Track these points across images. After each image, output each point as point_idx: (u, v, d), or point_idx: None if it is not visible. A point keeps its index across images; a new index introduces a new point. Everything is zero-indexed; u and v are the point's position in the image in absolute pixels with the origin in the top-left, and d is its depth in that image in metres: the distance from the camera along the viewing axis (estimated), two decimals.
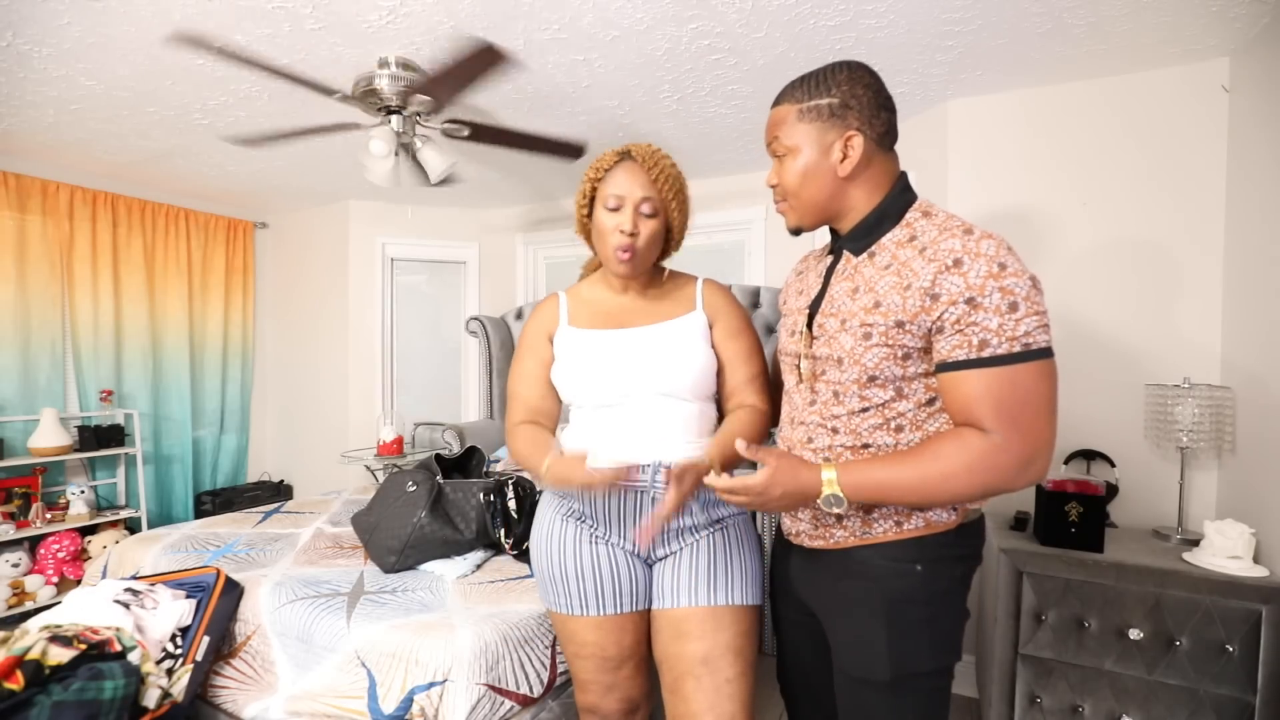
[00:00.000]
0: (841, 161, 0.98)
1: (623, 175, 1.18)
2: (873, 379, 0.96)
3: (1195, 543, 1.77)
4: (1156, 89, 2.03)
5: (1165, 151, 2.02)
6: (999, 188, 2.24)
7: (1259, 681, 1.51)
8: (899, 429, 0.97)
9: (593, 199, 1.22)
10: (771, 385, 1.27)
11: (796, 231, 1.08)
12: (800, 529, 1.09)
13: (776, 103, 1.04)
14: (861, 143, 0.97)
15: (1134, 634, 1.63)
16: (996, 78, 2.12)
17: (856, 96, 0.97)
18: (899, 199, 1.00)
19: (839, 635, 1.04)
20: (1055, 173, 2.16)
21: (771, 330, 2.81)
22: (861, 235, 1.01)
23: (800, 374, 1.06)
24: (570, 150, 2.38)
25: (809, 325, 1.04)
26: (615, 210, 1.17)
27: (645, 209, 1.17)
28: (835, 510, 0.93)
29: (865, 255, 1.00)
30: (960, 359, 0.88)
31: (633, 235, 1.16)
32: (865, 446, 0.98)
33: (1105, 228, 2.10)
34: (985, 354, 0.87)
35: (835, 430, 1.00)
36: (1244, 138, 1.86)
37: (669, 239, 1.26)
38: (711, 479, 0.95)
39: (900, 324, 0.92)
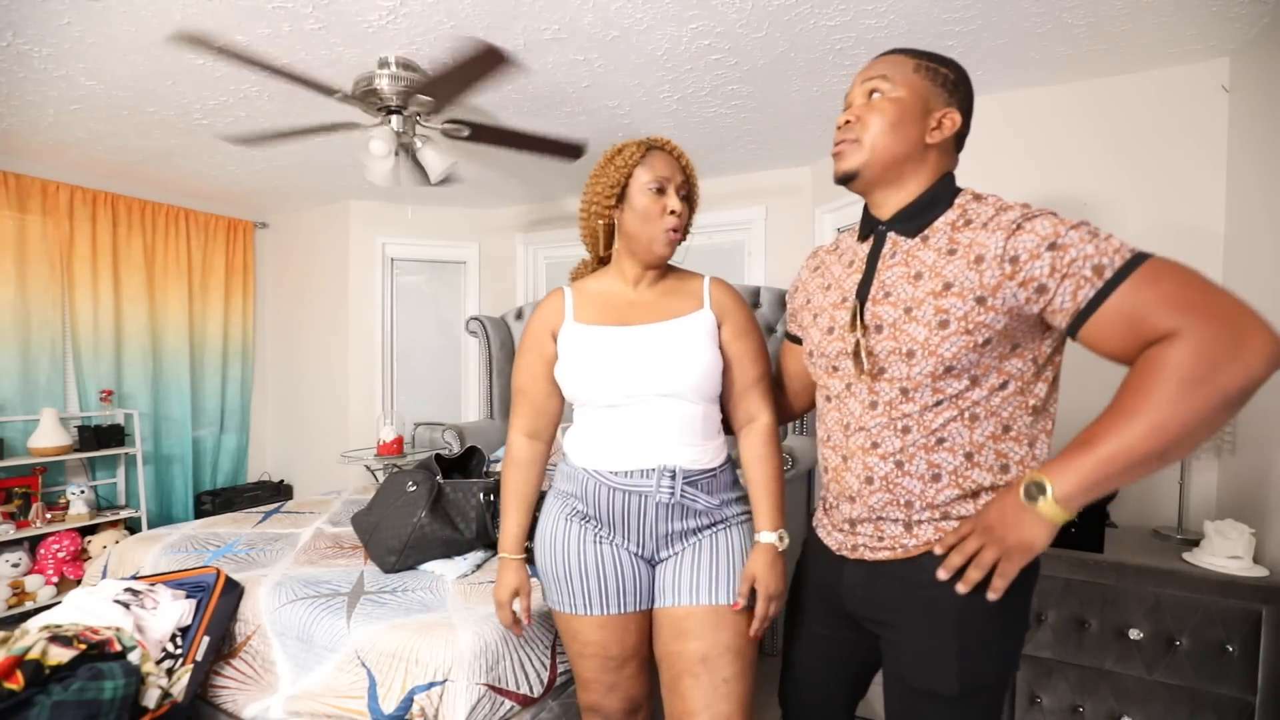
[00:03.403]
0: (934, 129, 0.97)
1: (659, 161, 1.21)
2: (949, 370, 0.90)
3: (1195, 543, 1.77)
4: (1156, 89, 2.02)
5: (1165, 151, 2.02)
6: (998, 188, 2.22)
7: (1259, 681, 1.52)
8: (974, 418, 0.91)
9: (622, 191, 1.22)
10: (774, 387, 1.28)
11: (843, 179, 1.01)
12: (859, 543, 1.02)
13: (888, 54, 1.01)
14: (956, 123, 0.97)
15: (1134, 634, 1.63)
16: (996, 78, 2.12)
17: (965, 85, 1.00)
18: (950, 185, 0.99)
19: (904, 646, 0.98)
20: (1055, 173, 2.16)
21: (772, 330, 2.80)
22: (911, 217, 0.97)
23: (842, 374, 1.00)
24: (571, 150, 2.38)
25: (860, 316, 0.97)
26: (660, 192, 1.19)
27: (682, 192, 1.22)
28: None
29: (919, 238, 0.95)
30: (1090, 298, 0.80)
31: (680, 215, 1.21)
32: (940, 442, 0.92)
33: (1106, 227, 2.08)
34: (1109, 276, 0.79)
35: (907, 430, 0.94)
36: (1244, 137, 1.86)
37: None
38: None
39: (981, 300, 0.86)
